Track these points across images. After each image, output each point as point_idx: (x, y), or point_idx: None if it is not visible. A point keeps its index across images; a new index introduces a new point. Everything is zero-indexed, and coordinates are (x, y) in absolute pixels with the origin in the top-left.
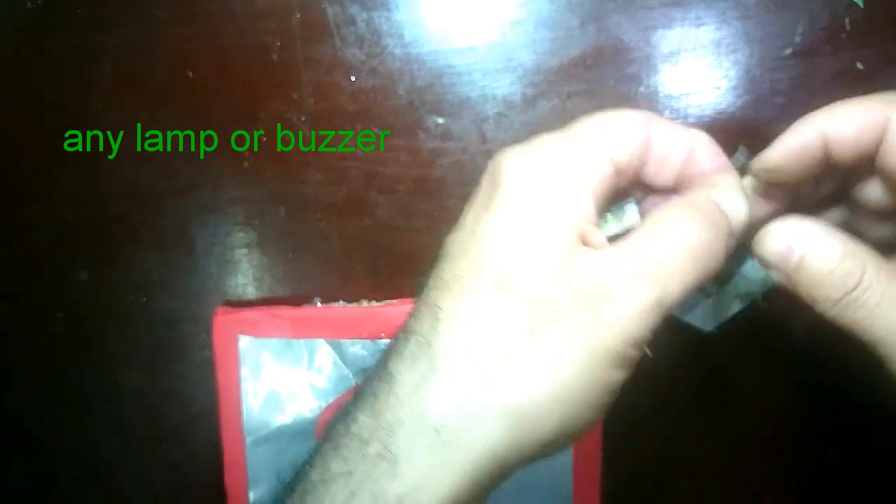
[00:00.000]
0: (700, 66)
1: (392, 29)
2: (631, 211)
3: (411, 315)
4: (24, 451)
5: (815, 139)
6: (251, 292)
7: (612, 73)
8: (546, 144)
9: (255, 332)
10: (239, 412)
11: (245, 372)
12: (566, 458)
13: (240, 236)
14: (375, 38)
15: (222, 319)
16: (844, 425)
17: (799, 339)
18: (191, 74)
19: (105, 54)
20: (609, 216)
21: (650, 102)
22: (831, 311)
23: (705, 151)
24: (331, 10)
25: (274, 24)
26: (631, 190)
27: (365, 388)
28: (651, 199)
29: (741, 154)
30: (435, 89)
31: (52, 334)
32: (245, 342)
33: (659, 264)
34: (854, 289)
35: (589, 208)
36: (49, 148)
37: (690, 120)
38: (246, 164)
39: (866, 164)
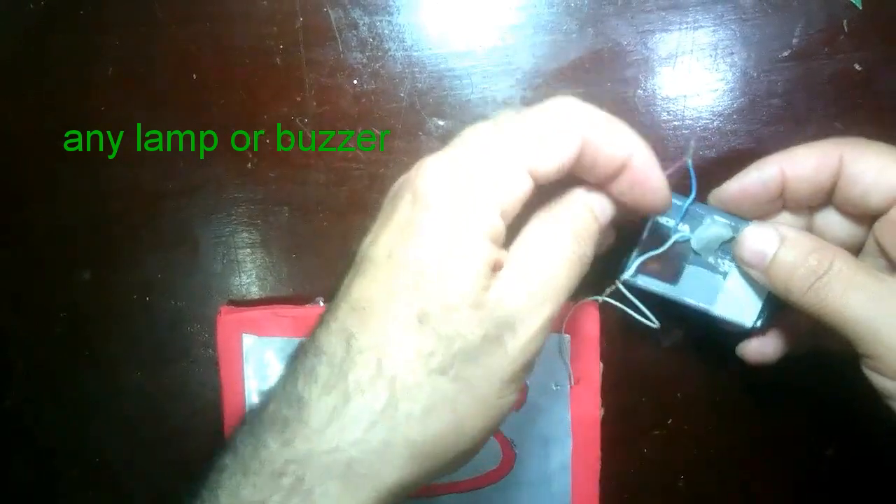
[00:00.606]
0: (697, 69)
1: (394, 33)
2: None
3: (321, 327)
4: (25, 451)
5: (773, 177)
6: (254, 292)
7: (611, 76)
8: (468, 157)
9: (259, 331)
10: (242, 411)
11: (248, 371)
12: (565, 459)
13: (243, 236)
14: (377, 42)
15: (226, 319)
16: (844, 425)
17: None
18: (193, 76)
19: (106, 55)
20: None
21: (648, 105)
22: (804, 299)
23: (642, 161)
24: (333, 15)
25: (277, 27)
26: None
27: (274, 409)
28: None
29: (691, 147)
30: (436, 92)
31: (54, 334)
32: (249, 341)
33: (549, 284)
34: (823, 275)
35: (502, 231)
36: (49, 148)
37: (688, 122)
38: (249, 166)
39: (822, 200)
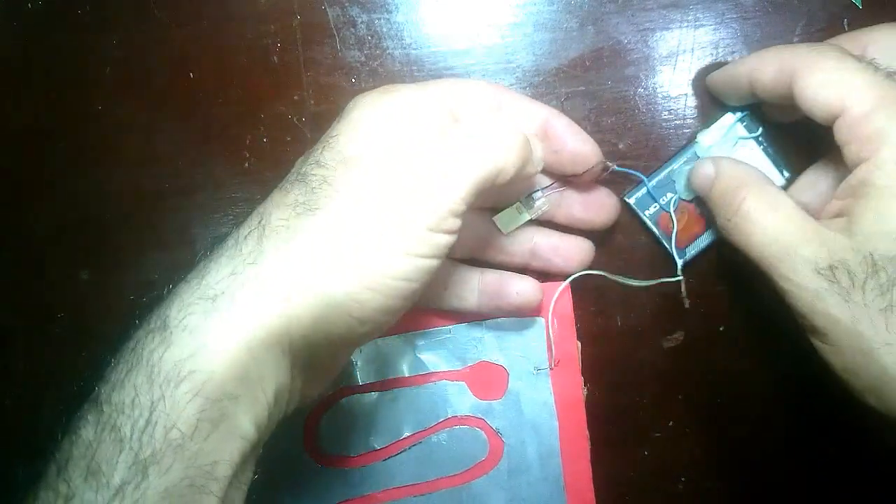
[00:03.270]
0: (698, 68)
1: (392, 31)
2: (539, 199)
3: (287, 183)
4: (25, 451)
5: (741, 79)
6: None
7: (611, 74)
8: (400, 93)
9: None
10: None
11: None
12: (553, 442)
13: None
14: (375, 40)
15: None
16: (844, 426)
17: (799, 340)
18: (191, 75)
19: (105, 55)
20: (522, 206)
21: (649, 104)
22: (726, 228)
23: (559, 125)
24: (331, 13)
25: (274, 26)
26: (537, 181)
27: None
28: (554, 186)
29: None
30: None
31: (53, 334)
32: None
33: (482, 141)
34: (733, 216)
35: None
36: (49, 148)
37: (689, 121)
38: (247, 165)
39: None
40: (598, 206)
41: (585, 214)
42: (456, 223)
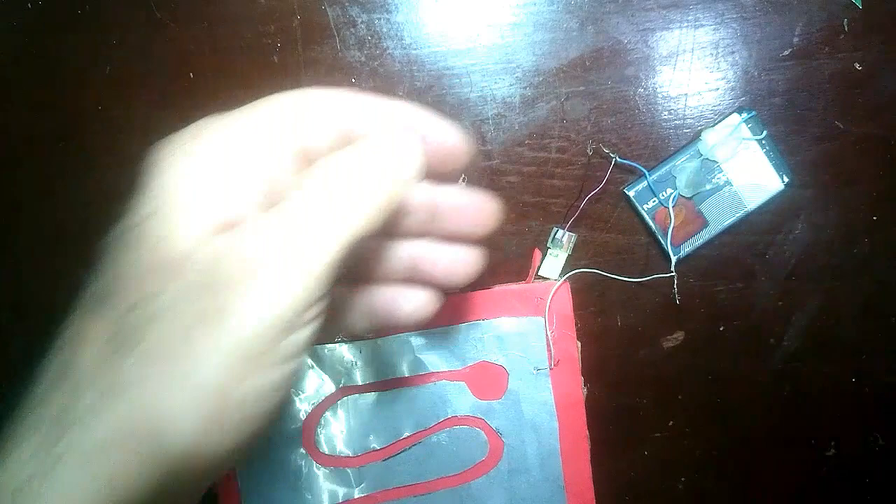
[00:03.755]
0: (698, 68)
1: (392, 31)
2: (563, 235)
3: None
4: None
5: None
6: None
7: (611, 74)
8: (215, 136)
9: None
10: None
11: None
12: (553, 443)
13: None
14: (375, 40)
15: None
16: (844, 425)
17: (798, 340)
18: (191, 75)
19: (105, 55)
20: (555, 250)
21: (649, 104)
22: None
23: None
24: (331, 13)
25: (274, 25)
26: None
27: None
28: (569, 216)
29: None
30: (434, 91)
31: (53, 334)
32: None
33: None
34: None
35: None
36: (49, 148)
37: (689, 122)
38: None
39: None
40: (474, 213)
41: (460, 222)
42: (317, 308)
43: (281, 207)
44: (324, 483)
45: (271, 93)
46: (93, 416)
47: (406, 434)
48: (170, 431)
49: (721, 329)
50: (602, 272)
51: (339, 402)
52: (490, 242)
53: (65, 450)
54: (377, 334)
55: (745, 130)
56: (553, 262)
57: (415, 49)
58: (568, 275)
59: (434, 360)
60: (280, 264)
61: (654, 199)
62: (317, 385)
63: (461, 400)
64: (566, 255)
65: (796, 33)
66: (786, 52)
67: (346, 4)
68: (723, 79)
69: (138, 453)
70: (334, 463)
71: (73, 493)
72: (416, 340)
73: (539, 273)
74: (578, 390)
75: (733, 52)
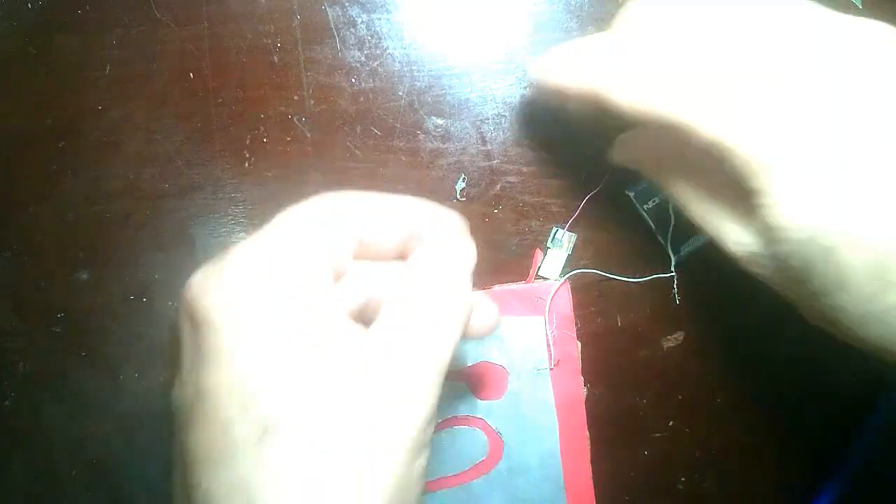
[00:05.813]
0: None
1: (392, 31)
2: (563, 235)
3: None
4: (25, 451)
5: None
6: None
7: None
8: (237, 263)
9: None
10: None
11: None
12: (553, 443)
13: (241, 236)
14: (375, 41)
15: None
16: (844, 427)
17: (800, 340)
18: (190, 76)
19: (105, 55)
20: (555, 250)
21: None
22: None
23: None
24: (331, 13)
25: (274, 26)
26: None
27: None
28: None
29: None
30: (434, 91)
31: (53, 334)
32: None
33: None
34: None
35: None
36: (49, 148)
37: None
38: (247, 165)
39: None
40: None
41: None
42: (432, 426)
43: (391, 325)
44: None
45: (271, 93)
46: None
47: None
48: None
49: (721, 329)
50: (602, 272)
51: None
52: (490, 242)
53: None
54: None
55: None
56: (553, 262)
57: (415, 49)
58: (568, 275)
59: None
60: (408, 390)
61: (655, 199)
62: None
63: (461, 400)
64: (566, 255)
65: None
66: None
67: (346, 4)
68: None
69: None
70: None
71: None
72: None
73: (539, 273)
74: (578, 390)
75: None
